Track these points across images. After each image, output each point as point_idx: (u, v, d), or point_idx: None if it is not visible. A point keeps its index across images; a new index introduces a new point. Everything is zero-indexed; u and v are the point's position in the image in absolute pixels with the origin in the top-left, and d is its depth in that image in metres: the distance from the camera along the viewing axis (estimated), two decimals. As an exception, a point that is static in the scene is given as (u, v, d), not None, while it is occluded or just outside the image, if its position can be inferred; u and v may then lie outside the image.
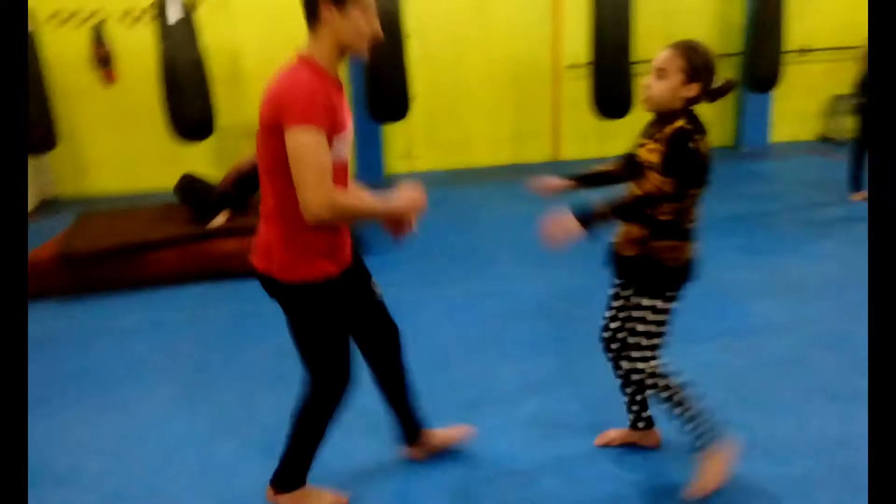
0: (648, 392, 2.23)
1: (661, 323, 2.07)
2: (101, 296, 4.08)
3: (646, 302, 2.06)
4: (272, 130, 1.75)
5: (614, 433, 2.41)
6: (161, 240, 4.18)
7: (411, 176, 7.29)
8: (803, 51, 7.43)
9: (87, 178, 6.94)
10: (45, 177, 6.78)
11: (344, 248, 1.99)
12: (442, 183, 6.90)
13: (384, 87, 5.80)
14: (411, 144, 7.35)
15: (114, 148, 6.86)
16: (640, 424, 2.36)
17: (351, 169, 7.28)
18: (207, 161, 6.95)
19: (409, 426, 2.33)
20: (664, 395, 2.09)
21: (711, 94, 2.02)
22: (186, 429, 2.68)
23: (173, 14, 5.43)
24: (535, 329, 3.41)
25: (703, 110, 2.05)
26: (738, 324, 3.35)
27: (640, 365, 2.09)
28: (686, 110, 2.00)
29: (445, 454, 2.40)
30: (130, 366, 3.22)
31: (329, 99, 1.77)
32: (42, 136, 5.60)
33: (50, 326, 3.69)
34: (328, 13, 1.78)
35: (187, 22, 5.52)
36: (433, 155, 7.44)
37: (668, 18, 7.38)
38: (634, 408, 2.33)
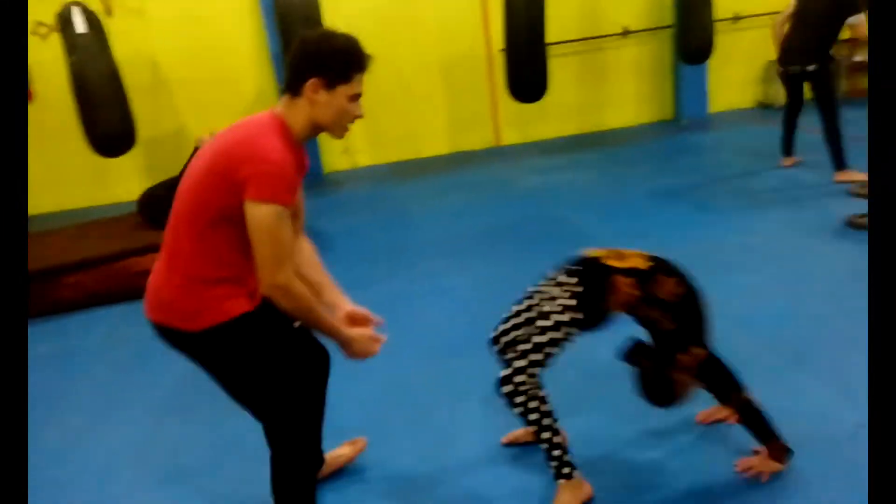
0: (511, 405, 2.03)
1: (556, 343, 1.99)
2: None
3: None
4: (228, 189, 1.61)
5: (520, 431, 2.34)
6: (75, 262, 4.02)
7: (352, 172, 7.20)
8: (736, 18, 7.44)
9: (14, 201, 6.70)
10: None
11: (257, 289, 1.77)
12: (382, 178, 6.80)
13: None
14: (350, 141, 7.22)
15: (39, 167, 6.60)
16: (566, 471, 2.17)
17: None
18: (136, 175, 6.75)
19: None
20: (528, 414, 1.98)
21: None
22: (87, 457, 2.56)
23: (79, 25, 5.21)
24: (459, 329, 3.34)
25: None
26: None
27: (516, 378, 1.96)
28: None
29: (342, 473, 2.28)
30: (39, 395, 3.08)
31: (296, 174, 1.68)
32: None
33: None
34: (314, 91, 1.68)
35: (95, 33, 5.31)
36: (373, 150, 7.32)
37: (598, -6, 7.35)
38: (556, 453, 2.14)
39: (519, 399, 1.96)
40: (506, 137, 7.62)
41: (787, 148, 5.36)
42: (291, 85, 1.70)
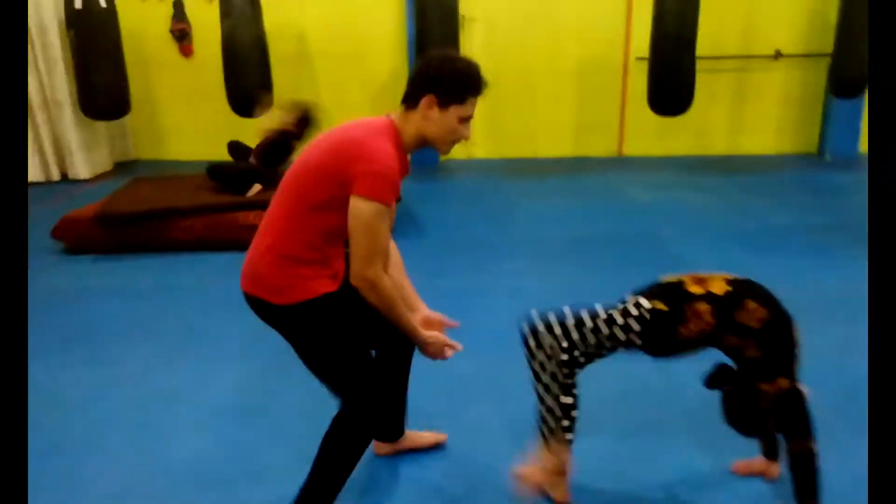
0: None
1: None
2: (130, 256, 4.35)
3: None
4: (337, 181, 1.74)
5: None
6: (187, 208, 4.39)
7: (466, 163, 7.27)
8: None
9: (163, 144, 7.39)
10: (124, 141, 7.27)
11: (341, 274, 1.94)
12: (495, 172, 6.82)
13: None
14: (471, 131, 7.30)
15: (187, 117, 7.25)
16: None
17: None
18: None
19: (395, 424, 2.28)
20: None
21: None
22: (160, 384, 2.83)
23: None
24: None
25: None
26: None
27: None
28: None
29: (417, 455, 2.35)
30: (126, 324, 3.42)
31: (400, 178, 1.82)
32: (116, 103, 6.01)
33: (72, 282, 3.97)
34: (428, 107, 1.81)
35: (250, 1, 5.73)
36: (492, 143, 7.35)
37: (751, 14, 6.91)
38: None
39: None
40: (629, 148, 7.39)
41: None
42: (409, 97, 1.82)
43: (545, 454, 2.02)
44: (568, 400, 1.95)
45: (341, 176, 1.73)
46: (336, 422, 1.88)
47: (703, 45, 6.74)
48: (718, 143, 7.36)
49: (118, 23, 6.01)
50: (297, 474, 1.90)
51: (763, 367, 1.87)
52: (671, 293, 1.93)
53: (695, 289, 1.91)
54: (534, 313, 1.97)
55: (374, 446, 2.32)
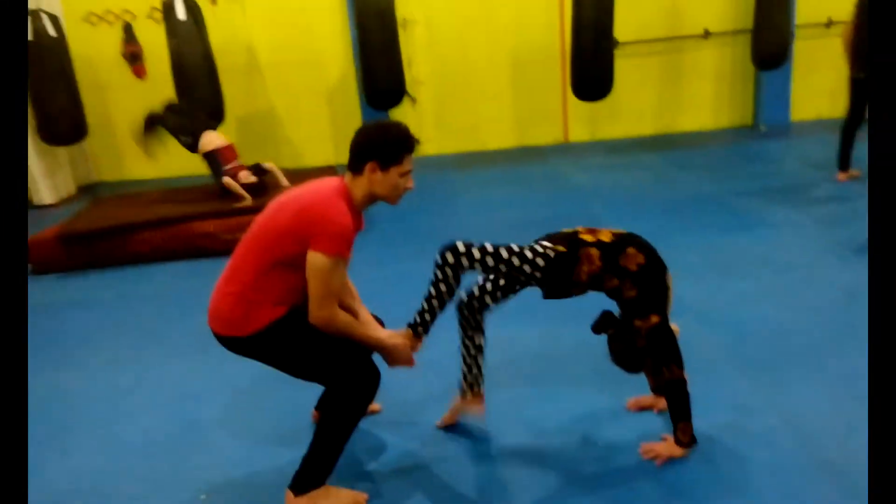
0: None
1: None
2: (93, 271, 4.60)
3: None
4: (296, 238, 2.04)
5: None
6: (144, 221, 4.64)
7: (417, 160, 7.53)
8: (829, 23, 7.12)
9: (124, 165, 7.60)
10: (84, 165, 7.47)
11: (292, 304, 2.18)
12: (445, 166, 7.11)
13: (378, 77, 6.06)
14: (420, 129, 7.59)
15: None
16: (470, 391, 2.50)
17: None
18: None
19: None
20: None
21: None
22: (122, 380, 3.11)
23: (180, 13, 5.89)
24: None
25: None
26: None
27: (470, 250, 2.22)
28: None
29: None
30: (90, 330, 3.68)
31: (354, 234, 2.10)
32: (73, 128, 6.24)
33: (39, 298, 4.22)
34: (371, 171, 2.10)
35: (194, 20, 5.97)
36: (442, 139, 7.65)
37: (678, -4, 7.26)
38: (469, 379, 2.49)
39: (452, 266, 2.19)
40: (574, 135, 7.72)
41: (844, 162, 5.20)
42: (354, 165, 2.12)
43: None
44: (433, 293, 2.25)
45: (303, 236, 2.02)
46: (334, 396, 2.15)
47: (632, 31, 7.11)
48: (659, 123, 7.70)
49: (69, 50, 6.23)
50: (247, 444, 2.16)
51: (638, 305, 2.19)
52: (568, 240, 2.27)
53: (587, 237, 2.26)
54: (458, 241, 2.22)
55: (313, 415, 2.61)
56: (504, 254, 2.19)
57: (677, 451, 2.24)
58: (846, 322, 3.04)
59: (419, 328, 2.28)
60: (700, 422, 2.23)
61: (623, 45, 7.13)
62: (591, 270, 2.20)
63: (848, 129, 5.11)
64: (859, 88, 4.93)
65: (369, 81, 6.10)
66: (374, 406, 2.65)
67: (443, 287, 2.23)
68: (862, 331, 2.78)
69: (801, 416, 2.41)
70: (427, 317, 2.27)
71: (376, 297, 3.64)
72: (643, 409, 2.54)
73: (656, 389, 2.48)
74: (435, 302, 2.25)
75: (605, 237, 2.25)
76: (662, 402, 2.47)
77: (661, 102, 7.65)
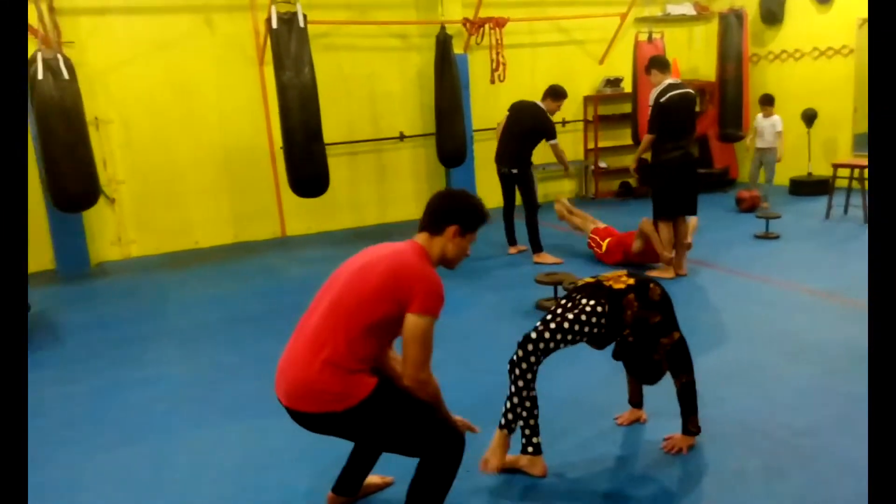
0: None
1: None
2: None
3: None
4: (392, 299, 2.05)
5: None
6: None
7: (124, 263, 7.08)
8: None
9: None
10: None
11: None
12: (154, 268, 6.76)
13: (65, 179, 5.62)
14: (122, 230, 7.15)
15: None
16: (530, 449, 2.65)
17: (52, 260, 6.84)
18: None
19: (357, 482, 2.49)
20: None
21: None
22: None
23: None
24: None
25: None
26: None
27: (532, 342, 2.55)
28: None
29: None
30: None
31: None
32: None
33: None
34: (450, 234, 2.22)
35: None
36: (147, 240, 7.27)
37: (375, 103, 8.04)
38: (527, 431, 2.64)
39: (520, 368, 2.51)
40: (292, 228, 7.90)
41: (510, 238, 6.30)
42: (435, 227, 2.23)
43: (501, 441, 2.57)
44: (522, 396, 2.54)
45: (399, 298, 2.04)
46: (427, 466, 2.10)
47: (337, 133, 7.66)
48: (371, 215, 8.27)
49: None
50: None
51: (664, 327, 2.63)
52: (602, 292, 2.64)
53: (617, 285, 2.65)
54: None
55: (329, 498, 2.49)
56: (566, 326, 2.51)
57: (691, 440, 2.74)
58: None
59: (512, 425, 2.58)
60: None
61: (330, 146, 7.63)
62: (633, 313, 2.59)
63: (507, 214, 6.18)
64: (510, 181, 6.01)
65: (54, 184, 5.63)
66: (388, 478, 2.63)
67: (528, 377, 2.51)
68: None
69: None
70: (517, 412, 2.56)
71: (81, 421, 3.35)
72: (632, 423, 3.00)
73: (637, 405, 3.04)
74: (523, 394, 2.52)
75: (629, 281, 2.68)
76: (644, 414, 3.03)
77: (369, 196, 8.25)
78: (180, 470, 2.88)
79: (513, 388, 2.54)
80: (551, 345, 2.51)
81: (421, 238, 2.25)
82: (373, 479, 2.59)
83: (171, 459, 2.97)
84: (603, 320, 2.59)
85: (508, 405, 2.56)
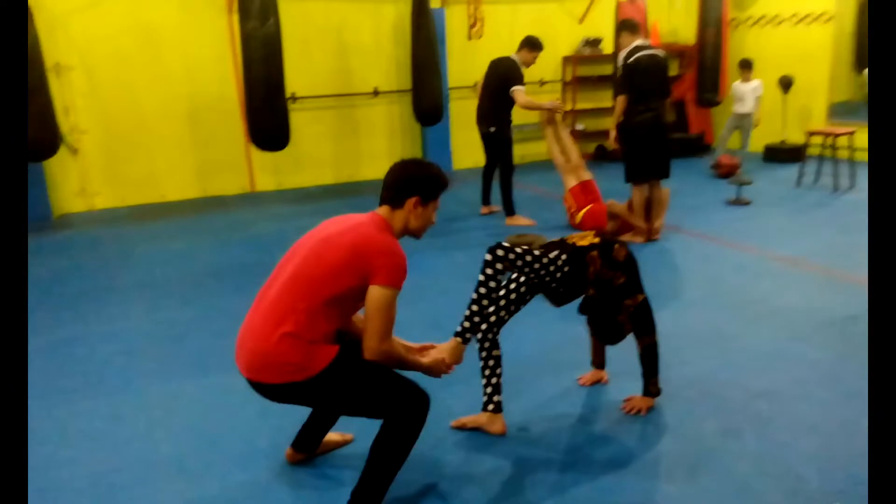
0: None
1: None
2: None
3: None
4: (354, 273, 2.04)
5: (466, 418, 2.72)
6: None
7: (88, 215, 6.90)
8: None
9: None
10: None
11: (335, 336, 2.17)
12: (119, 220, 6.60)
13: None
14: (85, 181, 6.95)
15: None
16: (490, 407, 2.65)
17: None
18: None
19: (316, 439, 2.49)
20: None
21: None
22: None
23: None
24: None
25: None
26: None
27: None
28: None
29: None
30: None
31: None
32: None
33: None
34: (411, 205, 2.18)
35: None
36: (112, 192, 7.09)
37: (348, 57, 7.84)
38: (489, 389, 2.65)
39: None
40: (261, 184, 7.76)
41: (485, 199, 6.23)
42: (395, 200, 2.19)
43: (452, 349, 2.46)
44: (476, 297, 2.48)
45: (362, 270, 2.03)
46: (390, 427, 2.07)
47: (307, 86, 7.47)
48: (342, 172, 8.15)
49: None
50: None
51: (628, 288, 2.62)
52: (566, 248, 2.61)
53: (581, 242, 2.64)
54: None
55: (288, 454, 2.50)
56: (529, 258, 2.47)
57: (650, 401, 2.76)
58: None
59: (467, 334, 2.44)
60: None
61: (300, 100, 7.45)
62: (595, 270, 2.58)
63: (486, 173, 6.07)
64: (489, 140, 5.88)
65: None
66: (347, 436, 2.64)
67: (492, 284, 2.43)
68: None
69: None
70: (476, 319, 2.45)
71: (41, 374, 3.28)
72: (594, 383, 3.02)
73: (600, 365, 3.05)
74: (485, 301, 2.44)
75: (593, 239, 2.65)
76: (606, 375, 3.04)
77: (341, 153, 8.11)
78: (139, 425, 2.84)
79: (475, 295, 2.49)
80: (518, 262, 2.46)
81: (383, 211, 2.22)
82: (332, 436, 2.58)
83: (129, 414, 2.92)
84: (566, 268, 2.55)
85: (467, 313, 2.50)
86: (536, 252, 2.53)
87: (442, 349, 2.42)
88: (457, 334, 2.46)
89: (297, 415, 2.46)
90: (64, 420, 2.89)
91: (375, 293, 2.04)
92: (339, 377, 2.06)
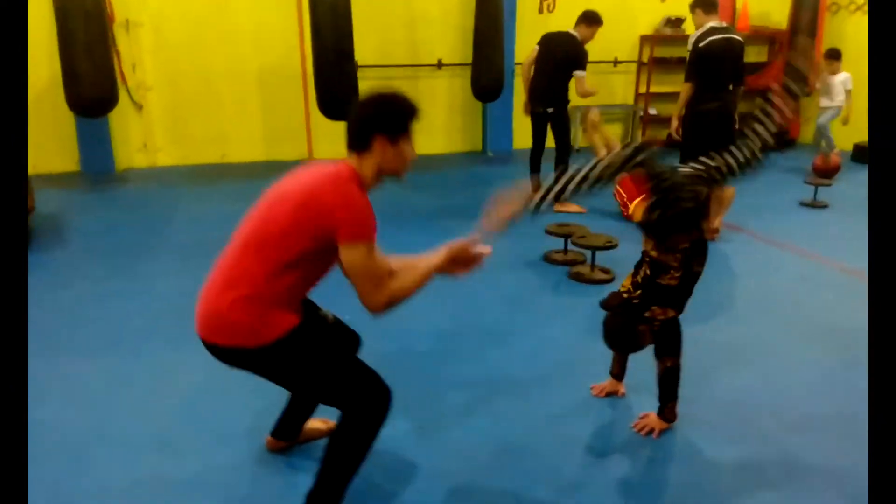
0: None
1: None
2: None
3: None
4: (304, 235, 1.84)
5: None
6: None
7: (149, 171, 7.07)
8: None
9: None
10: None
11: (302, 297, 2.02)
12: (178, 179, 6.73)
13: (82, 81, 5.53)
14: (148, 138, 7.11)
15: None
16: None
17: (77, 163, 6.83)
18: None
19: (296, 427, 2.38)
20: None
21: None
22: None
23: None
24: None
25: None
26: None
27: None
28: None
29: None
30: None
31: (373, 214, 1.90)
32: None
33: None
34: (380, 145, 1.93)
35: None
36: (175, 150, 7.23)
37: (410, 28, 7.65)
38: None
39: None
40: (319, 151, 7.75)
41: (533, 183, 5.83)
42: (359, 143, 1.94)
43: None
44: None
45: (321, 228, 1.82)
46: (349, 419, 1.92)
47: (371, 55, 7.35)
48: (401, 144, 8.02)
49: None
50: None
51: (670, 295, 2.35)
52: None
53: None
54: None
55: (268, 442, 2.41)
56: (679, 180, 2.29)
57: (665, 424, 2.53)
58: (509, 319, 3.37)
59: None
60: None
61: (364, 69, 7.34)
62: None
63: (533, 156, 5.74)
64: (544, 121, 5.57)
65: (72, 86, 5.55)
66: (331, 423, 2.41)
67: (616, 160, 2.27)
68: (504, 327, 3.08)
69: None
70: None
71: (58, 328, 3.34)
72: (609, 394, 2.80)
73: (619, 376, 2.79)
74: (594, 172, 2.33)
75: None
76: (622, 388, 2.80)
77: (401, 125, 7.97)
78: (136, 389, 2.83)
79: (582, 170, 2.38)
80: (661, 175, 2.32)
81: (351, 160, 1.98)
82: (314, 423, 2.47)
83: (130, 378, 2.93)
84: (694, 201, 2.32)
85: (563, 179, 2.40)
86: (679, 179, 2.33)
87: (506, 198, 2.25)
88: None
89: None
90: (62, 379, 2.92)
91: (346, 255, 1.85)
92: (294, 352, 1.91)
